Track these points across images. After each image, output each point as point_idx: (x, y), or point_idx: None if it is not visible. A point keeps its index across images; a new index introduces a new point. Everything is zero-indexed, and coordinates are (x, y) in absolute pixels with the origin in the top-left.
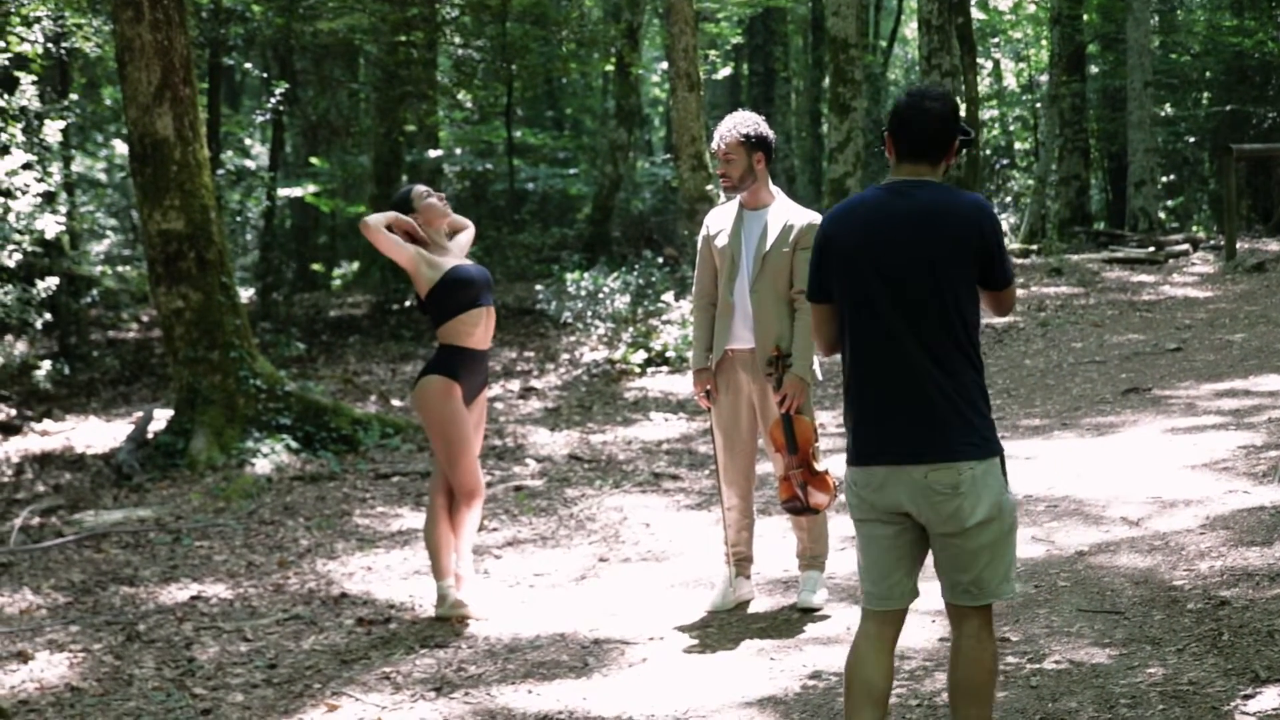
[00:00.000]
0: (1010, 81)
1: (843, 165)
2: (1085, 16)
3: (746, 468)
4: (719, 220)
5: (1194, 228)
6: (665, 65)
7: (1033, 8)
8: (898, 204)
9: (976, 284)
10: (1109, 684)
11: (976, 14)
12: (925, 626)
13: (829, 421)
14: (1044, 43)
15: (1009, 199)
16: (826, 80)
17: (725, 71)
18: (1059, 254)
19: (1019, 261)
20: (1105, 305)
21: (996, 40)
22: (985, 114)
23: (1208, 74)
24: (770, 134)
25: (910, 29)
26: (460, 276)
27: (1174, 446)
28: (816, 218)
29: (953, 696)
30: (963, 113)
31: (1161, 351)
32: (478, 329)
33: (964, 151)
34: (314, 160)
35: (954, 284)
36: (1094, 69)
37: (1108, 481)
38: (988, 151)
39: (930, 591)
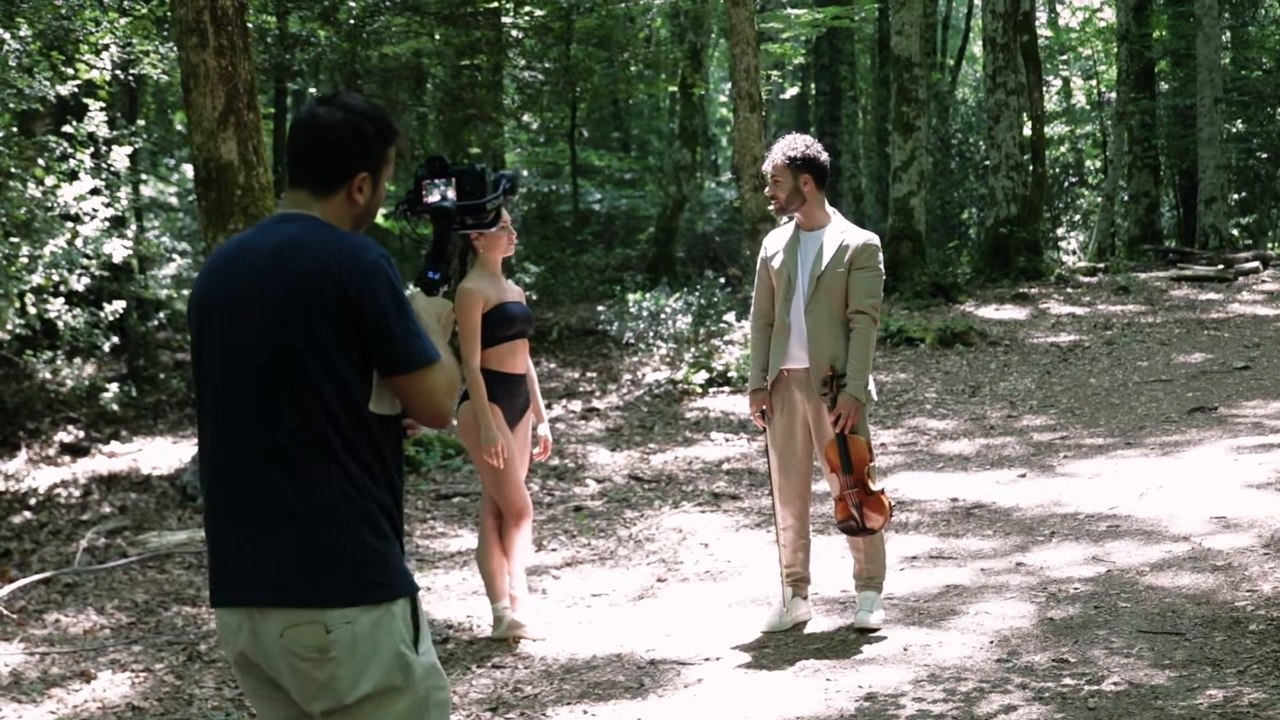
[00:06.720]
0: (1079, 99)
1: (907, 184)
2: (1154, 33)
3: (802, 488)
4: (776, 241)
5: (1268, 245)
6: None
7: (1104, 22)
8: (256, 243)
9: (361, 358)
10: (1168, 706)
11: (1044, 31)
12: (983, 648)
13: (889, 441)
14: (1113, 60)
15: (1078, 217)
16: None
17: (792, 91)
18: (1126, 272)
19: (1086, 280)
20: (1172, 324)
21: (1065, 58)
22: (1053, 131)
23: None
24: (821, 156)
25: (979, 47)
26: (507, 314)
27: (1239, 466)
28: (873, 238)
29: None
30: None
31: (1229, 370)
32: (511, 355)
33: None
34: None
35: (307, 356)
36: (1164, 85)
37: (1171, 501)
38: (1056, 169)
39: (985, 611)
